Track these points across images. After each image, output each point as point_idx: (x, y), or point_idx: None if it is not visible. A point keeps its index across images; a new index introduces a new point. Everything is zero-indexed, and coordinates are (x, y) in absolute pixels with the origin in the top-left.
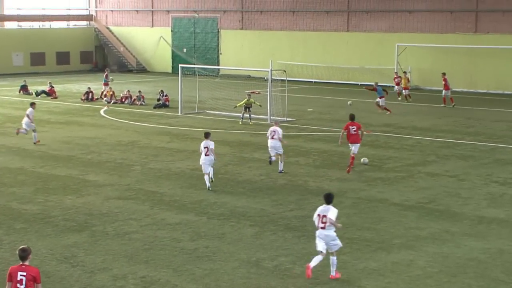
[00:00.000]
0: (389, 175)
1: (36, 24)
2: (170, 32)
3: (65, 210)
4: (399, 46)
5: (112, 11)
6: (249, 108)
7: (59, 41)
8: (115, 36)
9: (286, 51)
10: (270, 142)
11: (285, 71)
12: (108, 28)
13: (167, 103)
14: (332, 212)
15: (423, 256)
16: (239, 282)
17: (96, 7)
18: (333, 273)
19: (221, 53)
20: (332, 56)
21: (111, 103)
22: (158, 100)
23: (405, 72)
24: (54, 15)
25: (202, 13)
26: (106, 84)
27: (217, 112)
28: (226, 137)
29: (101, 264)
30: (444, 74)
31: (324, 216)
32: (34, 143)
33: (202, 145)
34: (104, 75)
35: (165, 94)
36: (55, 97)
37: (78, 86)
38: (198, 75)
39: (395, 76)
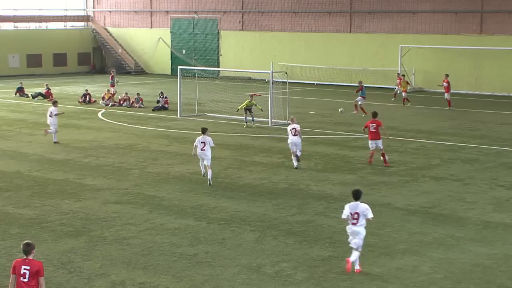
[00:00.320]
0: (392, 179)
1: (32, 25)
2: (169, 33)
3: (62, 215)
4: (403, 48)
5: (110, 11)
6: (249, 110)
7: (56, 43)
8: (113, 37)
9: (288, 53)
10: (291, 139)
11: (286, 73)
12: (106, 29)
13: (166, 105)
14: (369, 212)
15: (427, 261)
16: None
17: (94, 8)
18: (357, 266)
19: (221, 55)
20: (334, 57)
21: (109, 105)
22: (158, 102)
23: (403, 75)
24: (51, 16)
25: (201, 14)
26: (112, 85)
27: (217, 115)
28: (226, 140)
29: (98, 270)
30: (447, 75)
31: (356, 213)
32: (55, 143)
33: (199, 139)
34: (110, 77)
35: (164, 96)
36: (52, 100)
37: (75, 88)
38: (198, 77)
39: (398, 77)
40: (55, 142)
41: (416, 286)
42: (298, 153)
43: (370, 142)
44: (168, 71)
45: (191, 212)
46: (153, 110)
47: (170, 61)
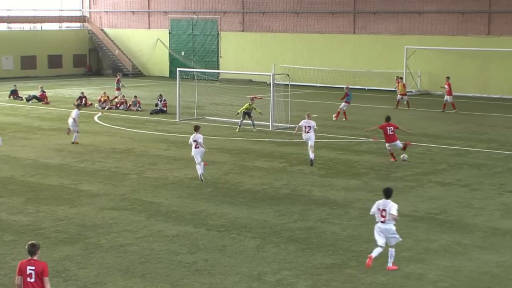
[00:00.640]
0: (397, 184)
1: (27, 26)
2: (168, 34)
3: (57, 221)
4: (408, 49)
5: (106, 12)
6: (249, 114)
7: (51, 44)
8: (109, 38)
9: (289, 54)
10: (305, 135)
11: (288, 75)
12: (102, 30)
13: (164, 108)
14: (393, 208)
15: (433, 269)
16: None
17: (90, 8)
18: (389, 264)
19: (221, 56)
20: (337, 59)
21: (106, 108)
22: (156, 105)
23: (401, 78)
24: (45, 16)
25: (201, 14)
26: (118, 89)
27: (217, 118)
28: (226, 144)
29: (95, 278)
30: (448, 78)
31: (384, 210)
32: (72, 143)
33: (192, 138)
34: (116, 80)
35: (163, 99)
36: (47, 103)
37: (71, 91)
38: (197, 79)
39: (396, 80)
40: (72, 143)
41: None
42: (311, 154)
43: (388, 144)
44: (166, 73)
45: (190, 218)
46: (151, 113)
47: (168, 63)
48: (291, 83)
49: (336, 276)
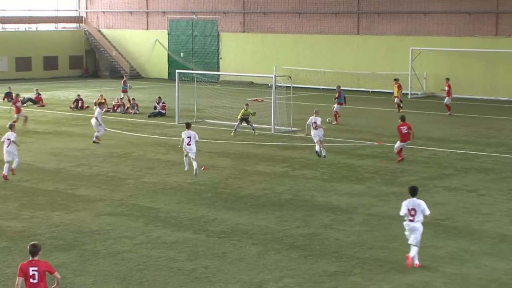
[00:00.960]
0: (403, 189)
1: (21, 27)
2: (167, 35)
3: (52, 227)
4: (414, 50)
5: (103, 12)
6: (246, 119)
7: (46, 45)
8: (107, 39)
9: (291, 56)
10: (314, 131)
11: (290, 77)
12: (99, 31)
13: (163, 111)
14: (426, 208)
15: (440, 277)
16: None
17: (86, 8)
18: (416, 261)
19: (221, 58)
20: (341, 61)
21: (103, 111)
22: (155, 108)
23: (396, 79)
24: (41, 16)
25: (200, 15)
26: (124, 91)
27: (217, 122)
28: (226, 148)
29: (91, 286)
30: (447, 79)
31: (413, 209)
32: (94, 142)
33: (184, 134)
34: (122, 82)
35: (162, 101)
36: (42, 105)
37: (67, 93)
38: (197, 81)
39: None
40: (94, 142)
41: None
42: (319, 147)
43: (400, 144)
44: (165, 75)
45: (189, 224)
46: (149, 116)
47: (167, 65)
48: (293, 85)
49: (339, 284)
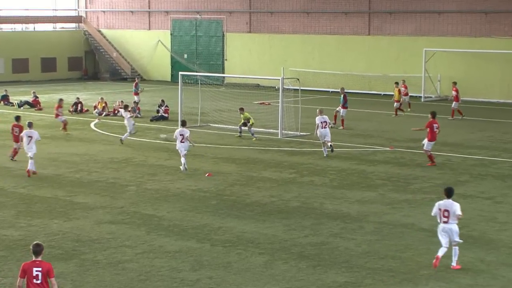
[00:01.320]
0: (416, 196)
1: (18, 27)
2: (169, 35)
3: (50, 236)
4: (427, 52)
5: (104, 12)
6: (246, 124)
7: (44, 46)
8: (107, 40)
9: (300, 57)
10: (321, 131)
11: (298, 79)
12: (99, 31)
13: (166, 115)
14: (458, 209)
15: None
16: None
17: (86, 8)
18: (454, 263)
19: (226, 59)
20: (351, 62)
21: (103, 115)
22: (157, 111)
23: (397, 83)
24: (38, 16)
25: (205, 15)
26: (136, 94)
27: (222, 126)
28: (232, 153)
29: None
30: (455, 83)
31: (446, 210)
32: (121, 141)
33: (178, 132)
34: (134, 84)
35: (165, 104)
36: (40, 109)
37: (65, 96)
38: (201, 84)
39: (403, 84)
40: (121, 141)
41: None
42: (329, 144)
43: (429, 143)
44: (168, 77)
45: (193, 233)
46: (151, 120)
47: (170, 66)
48: (301, 88)
49: None
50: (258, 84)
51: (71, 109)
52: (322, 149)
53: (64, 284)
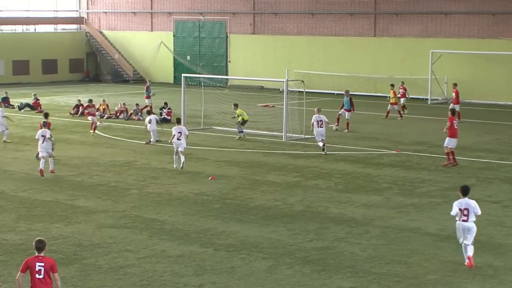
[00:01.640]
0: (422, 200)
1: (19, 28)
2: (172, 37)
3: (51, 240)
4: (434, 53)
5: (105, 13)
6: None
7: (45, 47)
8: (109, 41)
9: (304, 59)
10: (317, 130)
11: (303, 81)
12: (101, 33)
13: (168, 117)
14: (477, 207)
15: None
16: None
17: (87, 9)
18: (467, 260)
19: (230, 61)
20: (356, 64)
21: (105, 118)
22: (160, 114)
23: (392, 85)
24: (39, 17)
25: (208, 16)
26: (148, 97)
27: (225, 129)
28: (235, 156)
29: None
30: (455, 85)
31: (466, 209)
32: (147, 143)
33: (175, 130)
34: (145, 87)
35: (168, 107)
36: (41, 111)
37: (66, 98)
38: (204, 86)
39: (401, 87)
40: (147, 143)
41: None
42: (321, 143)
43: (450, 140)
44: (170, 79)
45: (196, 237)
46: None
47: (172, 68)
48: (306, 90)
49: None
50: (262, 86)
51: (72, 112)
52: (321, 147)
53: None
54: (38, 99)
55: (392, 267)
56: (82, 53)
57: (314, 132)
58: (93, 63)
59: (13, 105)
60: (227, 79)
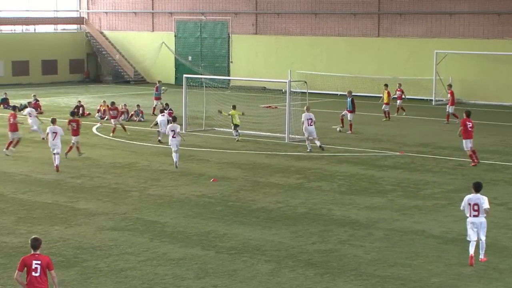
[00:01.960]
0: (426, 202)
1: (18, 28)
2: (173, 37)
3: (51, 243)
4: (438, 54)
5: (106, 13)
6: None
7: (45, 48)
8: (109, 42)
9: (307, 59)
10: (307, 128)
11: (306, 82)
12: (101, 33)
13: (169, 118)
14: (486, 202)
15: None
16: None
17: (88, 9)
18: (482, 256)
19: (231, 62)
20: (360, 65)
21: (105, 119)
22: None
23: (386, 85)
24: (39, 17)
25: (210, 16)
26: (157, 98)
27: (227, 130)
28: (237, 158)
29: None
30: (450, 86)
31: (476, 204)
32: (159, 141)
33: (169, 128)
34: (155, 88)
35: (169, 108)
36: (40, 112)
37: (67, 99)
38: (206, 86)
39: (398, 89)
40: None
41: None
42: (317, 142)
43: (466, 141)
44: (172, 80)
45: (198, 240)
46: (155, 124)
47: (174, 69)
48: (309, 91)
49: None
50: (265, 87)
51: (160, 108)
52: (306, 144)
53: None
54: (38, 100)
55: (396, 270)
56: (83, 54)
57: (304, 130)
58: (93, 64)
59: (12, 106)
60: (229, 80)
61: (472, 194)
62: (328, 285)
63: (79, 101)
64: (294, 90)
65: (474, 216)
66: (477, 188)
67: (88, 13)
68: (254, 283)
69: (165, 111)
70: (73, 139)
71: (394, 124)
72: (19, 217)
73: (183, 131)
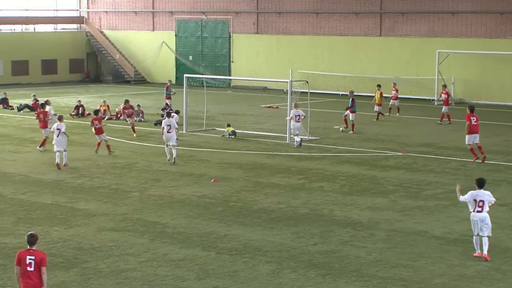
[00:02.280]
0: (429, 203)
1: (18, 28)
2: (174, 36)
3: (51, 244)
4: (441, 53)
5: (106, 12)
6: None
7: (45, 47)
8: (109, 41)
9: (309, 59)
10: (294, 124)
11: (307, 82)
12: (101, 32)
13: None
14: (491, 197)
15: None
16: None
17: (88, 8)
18: (485, 252)
19: (232, 61)
20: (362, 64)
21: (105, 119)
22: (162, 115)
23: (379, 86)
24: (39, 17)
25: (211, 15)
26: (168, 97)
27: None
28: (238, 158)
29: None
30: (444, 86)
31: (481, 200)
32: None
33: (165, 122)
34: (165, 87)
35: (170, 107)
36: None
37: (67, 99)
38: (206, 86)
39: (393, 88)
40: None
41: None
42: (297, 138)
43: (470, 136)
44: (172, 79)
45: (198, 240)
46: (155, 124)
47: (174, 69)
48: (310, 90)
49: None
50: (266, 87)
51: (72, 113)
52: (294, 142)
53: None
54: (37, 100)
55: (398, 271)
56: (83, 53)
57: (291, 126)
58: (93, 63)
59: (12, 106)
60: (230, 79)
61: (477, 190)
62: (329, 286)
63: (79, 101)
64: (296, 90)
65: (478, 212)
66: (481, 184)
67: (88, 12)
68: (255, 284)
69: (165, 110)
70: (100, 137)
71: (396, 124)
72: (19, 218)
73: (184, 131)
